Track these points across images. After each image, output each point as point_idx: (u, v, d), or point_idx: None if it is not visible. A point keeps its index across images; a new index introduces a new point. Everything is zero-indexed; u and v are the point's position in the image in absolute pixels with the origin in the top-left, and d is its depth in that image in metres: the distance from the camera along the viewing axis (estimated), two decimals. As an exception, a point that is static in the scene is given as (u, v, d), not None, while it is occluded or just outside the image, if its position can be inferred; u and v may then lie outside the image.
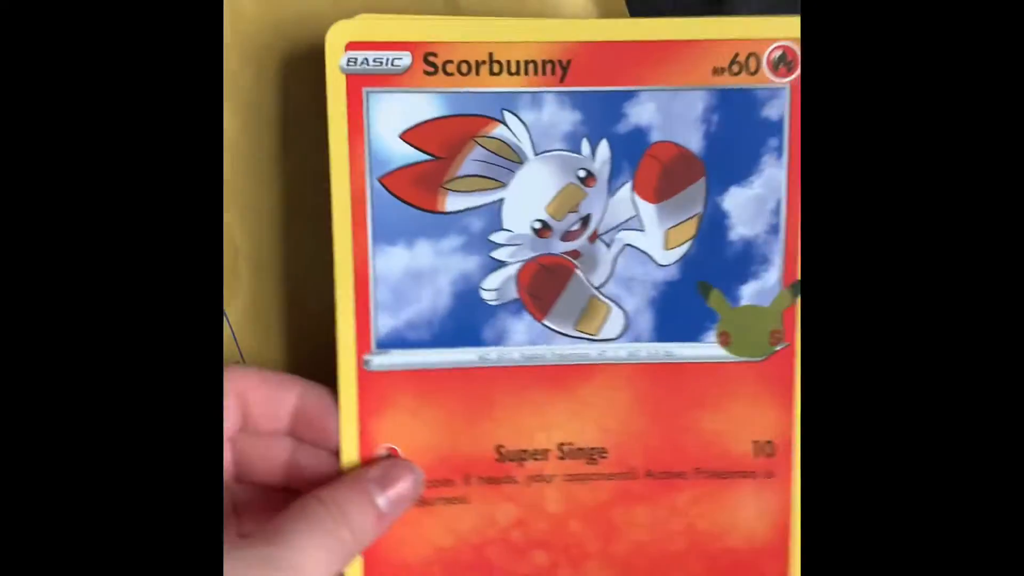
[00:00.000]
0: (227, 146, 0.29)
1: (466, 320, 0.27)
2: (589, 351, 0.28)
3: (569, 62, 0.26)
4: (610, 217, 0.27)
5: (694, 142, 0.27)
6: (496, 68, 0.26)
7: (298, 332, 0.31)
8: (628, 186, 0.27)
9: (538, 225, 0.27)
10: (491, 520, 0.28)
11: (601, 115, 0.26)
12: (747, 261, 0.27)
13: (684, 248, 0.27)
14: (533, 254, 0.27)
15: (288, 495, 0.27)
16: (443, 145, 0.26)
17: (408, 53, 0.26)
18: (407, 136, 0.26)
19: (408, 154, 0.26)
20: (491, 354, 0.28)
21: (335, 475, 0.27)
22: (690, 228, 0.27)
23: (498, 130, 0.26)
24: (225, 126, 0.29)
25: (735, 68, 0.26)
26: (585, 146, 0.27)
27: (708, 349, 0.28)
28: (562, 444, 0.28)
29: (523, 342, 0.28)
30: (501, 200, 0.27)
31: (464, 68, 0.26)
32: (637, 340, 0.28)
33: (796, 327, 0.28)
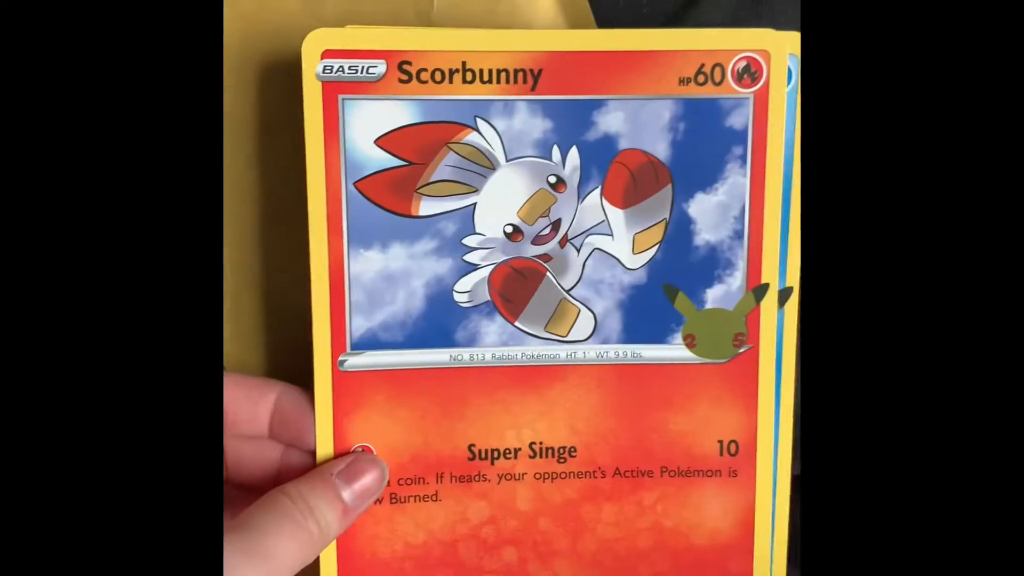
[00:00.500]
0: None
1: (439, 322, 0.28)
2: (559, 352, 0.28)
3: (540, 71, 0.27)
4: (580, 222, 0.28)
5: (661, 150, 0.28)
6: (469, 76, 0.27)
7: (277, 334, 0.31)
8: (597, 192, 0.28)
9: (510, 229, 0.28)
10: (463, 517, 0.29)
11: (571, 123, 0.27)
12: (712, 265, 0.28)
13: (651, 252, 0.28)
14: (505, 257, 0.28)
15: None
16: (417, 151, 0.27)
17: (383, 61, 0.27)
18: (382, 142, 0.27)
19: (383, 160, 0.27)
20: (463, 355, 0.28)
21: (310, 474, 0.28)
22: (657, 233, 0.28)
23: (471, 137, 0.27)
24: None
25: (700, 78, 0.27)
26: (556, 153, 0.27)
27: (674, 351, 0.29)
28: (533, 443, 0.29)
29: (495, 343, 0.28)
30: (474, 205, 0.28)
31: (438, 76, 0.27)
32: (606, 342, 0.28)
33: (759, 330, 0.28)
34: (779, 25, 0.31)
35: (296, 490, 0.26)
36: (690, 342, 0.28)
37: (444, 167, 0.27)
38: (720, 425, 0.29)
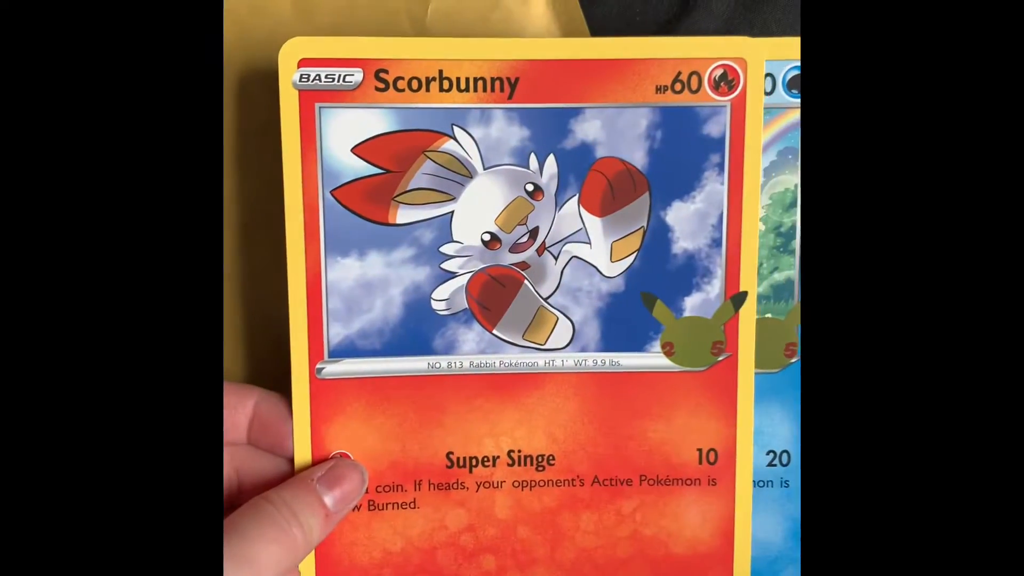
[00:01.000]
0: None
1: (417, 330, 0.28)
2: (537, 360, 0.28)
3: (517, 79, 0.27)
4: (557, 230, 0.28)
5: (638, 158, 0.28)
6: (446, 85, 0.27)
7: (256, 341, 0.31)
8: (575, 200, 0.28)
9: (487, 237, 0.28)
10: (441, 525, 0.29)
11: (548, 131, 0.27)
12: (690, 273, 0.28)
13: (629, 260, 0.28)
14: (483, 265, 0.28)
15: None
16: (394, 159, 0.27)
17: (360, 70, 0.27)
18: (359, 150, 0.27)
19: (360, 168, 0.27)
20: (441, 363, 0.28)
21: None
22: (635, 241, 0.28)
23: (448, 145, 0.27)
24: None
25: (677, 86, 0.27)
26: (533, 161, 0.28)
27: (653, 359, 0.28)
28: (511, 451, 0.29)
29: (473, 351, 0.28)
30: (451, 213, 0.28)
31: (415, 84, 0.27)
32: (584, 350, 0.28)
33: (738, 338, 0.28)
34: (772, 33, 0.31)
35: (279, 496, 0.26)
36: (668, 350, 0.28)
37: (421, 175, 0.27)
38: (699, 433, 0.29)
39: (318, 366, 0.28)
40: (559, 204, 0.28)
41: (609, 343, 0.28)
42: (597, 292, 0.28)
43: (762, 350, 0.29)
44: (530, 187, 0.28)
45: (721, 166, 0.28)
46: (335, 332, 0.28)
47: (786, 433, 0.30)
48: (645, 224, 0.28)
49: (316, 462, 0.28)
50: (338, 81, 0.27)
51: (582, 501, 0.29)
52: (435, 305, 0.28)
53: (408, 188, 0.27)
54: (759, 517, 0.30)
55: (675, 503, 0.29)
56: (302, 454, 0.28)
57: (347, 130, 0.27)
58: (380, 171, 0.27)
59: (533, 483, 0.29)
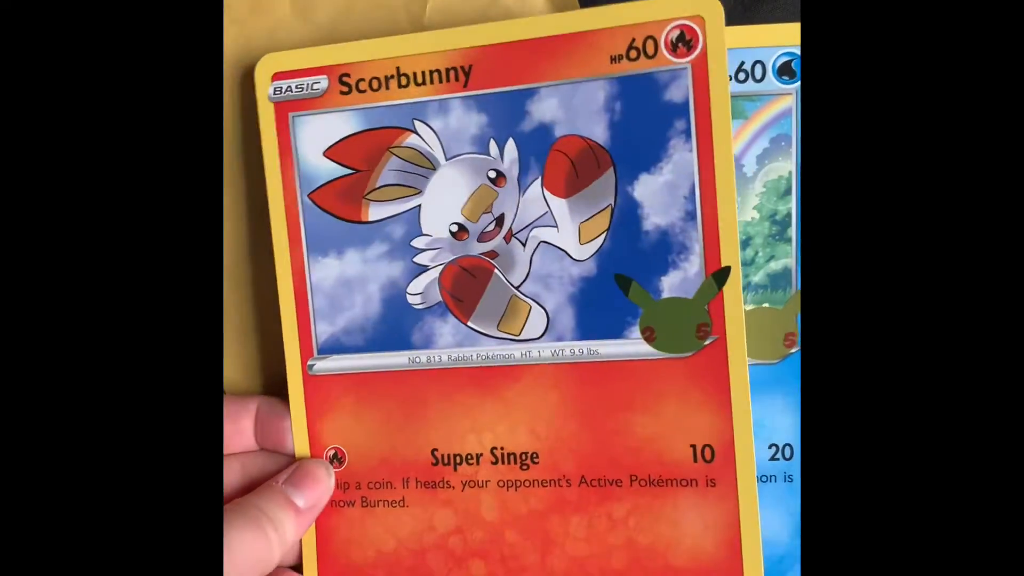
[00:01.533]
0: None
1: (396, 324, 0.28)
2: (513, 352, 0.27)
3: (471, 67, 0.27)
4: (523, 215, 0.27)
5: (599, 133, 0.26)
6: (403, 81, 0.28)
7: (254, 343, 0.33)
8: (538, 183, 0.27)
9: (455, 228, 0.28)
10: (429, 525, 0.28)
11: (505, 115, 0.27)
12: (664, 251, 0.26)
13: (599, 242, 0.27)
14: (453, 256, 0.28)
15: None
16: (362, 158, 0.28)
17: (324, 76, 0.28)
18: (329, 153, 0.28)
19: (332, 170, 0.28)
20: (420, 357, 0.28)
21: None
22: (603, 221, 0.26)
23: (410, 139, 0.28)
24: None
25: (633, 54, 0.26)
26: (493, 147, 0.27)
27: (632, 346, 0.26)
28: (494, 448, 0.28)
29: (450, 344, 0.28)
30: (419, 206, 0.28)
31: (375, 84, 0.28)
32: (560, 339, 0.27)
33: (725, 319, 0.26)
34: (778, 17, 0.29)
35: (250, 501, 0.27)
36: (649, 335, 0.26)
37: (388, 171, 0.28)
38: (691, 427, 0.26)
39: (309, 363, 0.29)
40: (522, 188, 0.27)
41: (585, 331, 0.27)
42: (569, 277, 0.27)
43: (761, 340, 0.26)
44: (492, 174, 0.27)
45: (687, 132, 0.26)
46: (322, 330, 0.29)
47: (788, 425, 0.26)
48: (612, 202, 0.26)
49: (314, 456, 0.29)
50: (307, 90, 0.28)
51: (570, 504, 0.27)
52: (411, 299, 0.28)
53: (377, 185, 0.28)
54: (763, 514, 0.27)
55: (671, 507, 0.26)
56: (301, 448, 0.29)
57: (318, 135, 0.28)
58: (350, 171, 0.28)
59: (518, 483, 0.27)
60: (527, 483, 0.27)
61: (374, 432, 0.29)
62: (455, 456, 0.28)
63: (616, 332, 0.27)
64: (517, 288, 0.27)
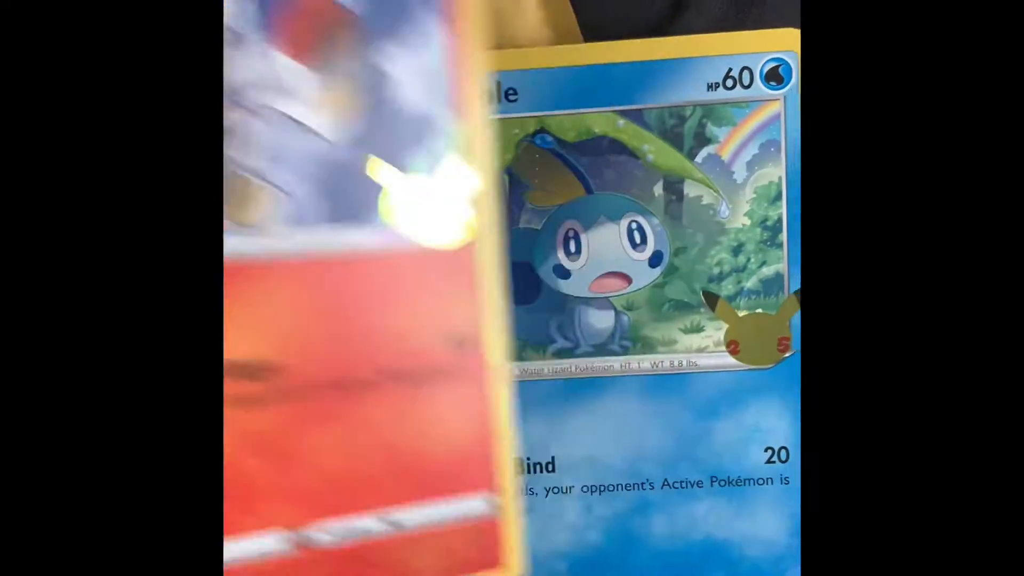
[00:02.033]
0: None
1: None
2: (249, 247, 0.24)
3: None
4: (259, 84, 0.24)
5: None
6: None
7: None
8: (274, 47, 0.24)
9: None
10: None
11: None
12: (419, 131, 0.24)
13: (348, 119, 0.24)
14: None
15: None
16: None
17: None
18: None
19: None
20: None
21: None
22: (351, 95, 0.24)
23: None
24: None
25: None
26: (225, 4, 0.23)
27: (380, 234, 0.25)
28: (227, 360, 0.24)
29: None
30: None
31: None
32: (305, 228, 0.24)
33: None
34: (766, 22, 0.30)
35: None
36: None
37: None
38: (447, 318, 0.25)
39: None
40: (256, 53, 0.24)
41: (336, 220, 0.24)
42: (315, 158, 0.24)
43: (756, 346, 0.27)
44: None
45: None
46: None
47: (784, 429, 0.27)
48: (361, 75, 0.24)
49: None
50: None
51: (318, 414, 0.25)
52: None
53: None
54: (760, 516, 0.27)
55: (426, 400, 0.25)
56: None
57: None
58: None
59: (253, 399, 0.25)
60: (266, 398, 0.25)
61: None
62: None
63: (367, 219, 0.25)
64: (252, 170, 0.24)
